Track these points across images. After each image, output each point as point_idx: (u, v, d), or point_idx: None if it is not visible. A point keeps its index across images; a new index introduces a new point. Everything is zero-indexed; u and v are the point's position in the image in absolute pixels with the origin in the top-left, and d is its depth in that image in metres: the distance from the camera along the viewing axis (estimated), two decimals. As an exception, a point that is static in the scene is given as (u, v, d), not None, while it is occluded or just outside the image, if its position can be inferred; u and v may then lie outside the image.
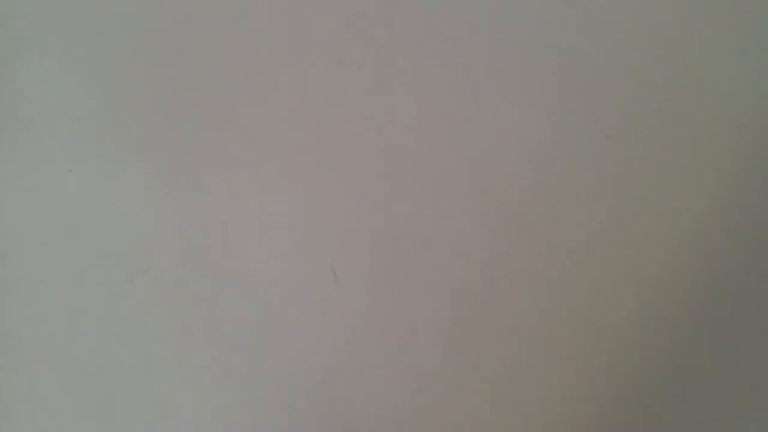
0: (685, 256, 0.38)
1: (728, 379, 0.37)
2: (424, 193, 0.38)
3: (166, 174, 0.39)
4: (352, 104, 0.39)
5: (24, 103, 0.40)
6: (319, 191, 0.38)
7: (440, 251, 0.38)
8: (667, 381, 0.37)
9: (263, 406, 0.37)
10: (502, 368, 0.37)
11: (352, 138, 0.39)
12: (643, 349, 0.37)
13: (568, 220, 0.38)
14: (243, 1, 0.41)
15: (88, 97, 0.40)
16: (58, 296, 0.38)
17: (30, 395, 0.38)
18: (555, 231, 0.38)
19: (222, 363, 0.38)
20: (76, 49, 0.41)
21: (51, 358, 0.38)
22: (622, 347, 0.37)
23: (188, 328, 0.38)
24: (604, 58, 0.40)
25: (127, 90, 0.40)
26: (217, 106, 0.40)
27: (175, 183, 0.39)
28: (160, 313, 0.38)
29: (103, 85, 0.40)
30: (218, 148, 0.39)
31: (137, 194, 0.39)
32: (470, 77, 0.39)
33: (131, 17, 0.41)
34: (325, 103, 0.39)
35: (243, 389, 0.37)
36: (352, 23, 0.39)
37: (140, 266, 0.38)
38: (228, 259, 0.38)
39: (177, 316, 0.38)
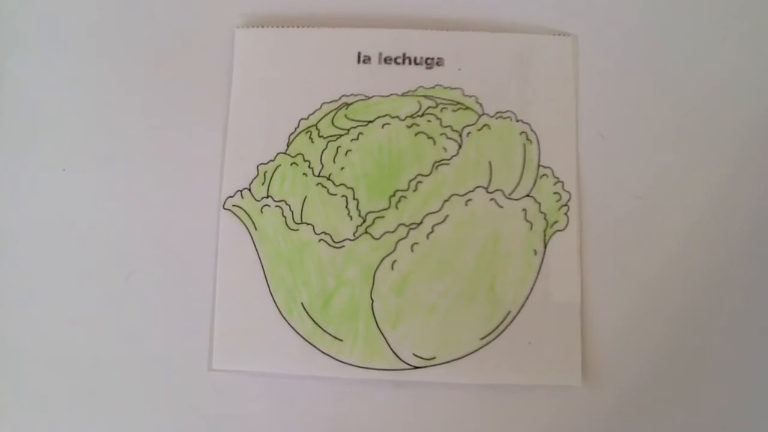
0: (685, 256, 0.38)
1: (729, 378, 0.37)
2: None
3: (160, 173, 0.39)
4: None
5: (17, 102, 0.40)
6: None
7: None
8: (666, 381, 0.37)
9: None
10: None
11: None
12: (642, 349, 0.37)
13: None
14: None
15: (82, 96, 0.40)
16: (53, 295, 0.38)
17: (28, 393, 0.38)
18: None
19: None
20: (71, 48, 0.41)
21: (48, 357, 0.38)
22: (620, 347, 0.37)
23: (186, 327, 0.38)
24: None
25: (122, 89, 0.40)
26: (213, 105, 0.40)
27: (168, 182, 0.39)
28: (156, 311, 0.38)
29: (98, 83, 0.40)
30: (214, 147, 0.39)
31: (132, 193, 0.39)
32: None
33: (128, 16, 0.41)
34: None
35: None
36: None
37: (135, 265, 0.38)
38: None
39: (173, 314, 0.38)
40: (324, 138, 0.39)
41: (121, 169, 0.39)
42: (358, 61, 0.40)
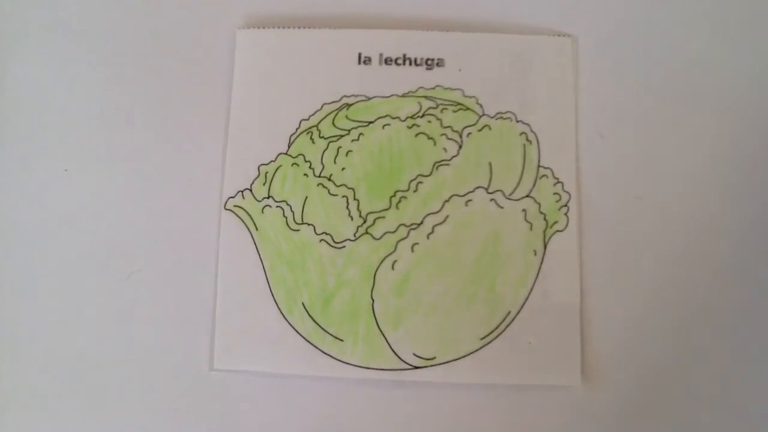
0: (685, 256, 0.38)
1: (729, 378, 0.37)
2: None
3: (161, 173, 0.39)
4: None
5: (19, 102, 0.40)
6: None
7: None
8: (666, 380, 0.37)
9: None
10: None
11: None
12: (641, 349, 0.37)
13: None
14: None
15: (83, 96, 0.40)
16: (54, 295, 0.38)
17: (28, 393, 0.38)
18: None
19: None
20: (71, 48, 0.41)
21: (48, 357, 0.38)
22: (620, 347, 0.37)
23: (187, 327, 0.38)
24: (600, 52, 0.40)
25: (123, 89, 0.40)
26: (214, 105, 0.40)
27: (169, 182, 0.39)
28: (157, 311, 0.38)
29: (99, 84, 0.40)
30: (215, 147, 0.39)
31: (133, 193, 0.39)
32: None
33: (129, 16, 0.41)
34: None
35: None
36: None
37: (136, 265, 0.38)
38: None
39: (174, 314, 0.38)
40: (325, 138, 0.39)
41: (123, 169, 0.39)
42: (359, 62, 0.40)
